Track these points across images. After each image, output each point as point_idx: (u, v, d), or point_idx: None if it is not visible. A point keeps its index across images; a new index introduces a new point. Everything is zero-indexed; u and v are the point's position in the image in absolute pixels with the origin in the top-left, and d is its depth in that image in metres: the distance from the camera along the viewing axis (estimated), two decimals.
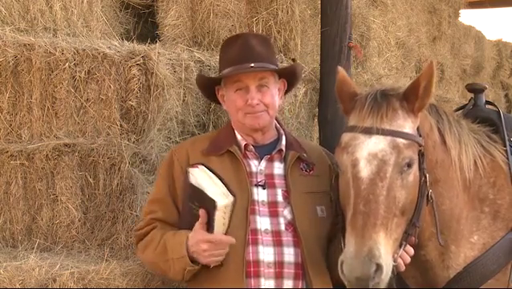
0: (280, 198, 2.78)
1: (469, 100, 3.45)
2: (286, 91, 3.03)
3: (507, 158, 3.05)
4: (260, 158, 2.83)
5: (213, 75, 4.05)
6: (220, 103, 3.02)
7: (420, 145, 2.59)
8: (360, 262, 2.38)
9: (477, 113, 3.28)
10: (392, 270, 2.50)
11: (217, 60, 4.19)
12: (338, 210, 2.67)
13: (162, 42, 4.45)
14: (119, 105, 3.58)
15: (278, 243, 2.72)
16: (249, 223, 2.69)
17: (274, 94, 2.87)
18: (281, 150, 2.87)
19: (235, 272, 2.64)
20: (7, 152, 3.57)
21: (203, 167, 2.67)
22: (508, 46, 8.91)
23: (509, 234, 2.94)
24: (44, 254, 3.35)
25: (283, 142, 2.89)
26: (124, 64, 3.55)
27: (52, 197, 3.54)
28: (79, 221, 3.50)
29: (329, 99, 4.06)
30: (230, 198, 2.56)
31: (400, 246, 2.55)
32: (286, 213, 2.76)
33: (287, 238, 2.73)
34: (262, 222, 2.72)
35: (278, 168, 2.84)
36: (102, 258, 3.29)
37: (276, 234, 2.73)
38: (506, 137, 3.13)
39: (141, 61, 3.53)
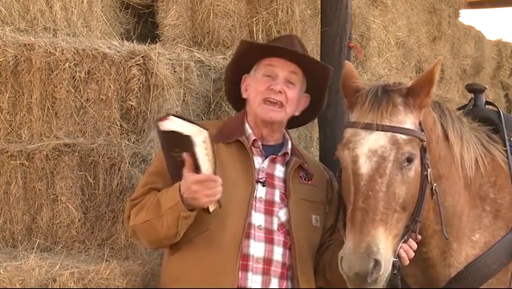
0: (277, 198, 2.79)
1: (469, 100, 3.45)
2: (302, 124, 3.15)
3: (507, 158, 3.05)
4: (264, 156, 2.83)
5: (213, 76, 4.05)
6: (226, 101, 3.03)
7: (421, 140, 2.60)
8: (359, 258, 2.40)
9: (477, 113, 3.29)
10: (397, 266, 2.52)
11: (217, 60, 4.24)
12: (341, 206, 2.68)
13: (162, 42, 4.45)
14: (119, 105, 3.58)
15: (269, 241, 2.73)
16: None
17: (298, 94, 2.86)
18: (286, 153, 2.87)
19: (230, 264, 2.64)
20: (7, 152, 3.56)
21: (173, 116, 2.55)
22: (508, 46, 8.90)
23: (510, 233, 2.95)
24: (44, 254, 3.34)
25: (289, 146, 2.90)
26: (124, 64, 3.55)
27: (52, 197, 3.53)
28: (79, 221, 3.49)
29: (329, 100, 4.05)
30: (204, 132, 2.50)
31: (401, 239, 2.55)
32: (281, 214, 2.77)
33: (278, 237, 2.74)
34: (257, 218, 2.72)
35: (280, 170, 2.85)
36: (102, 258, 3.28)
37: (268, 232, 2.73)
38: (506, 137, 3.14)
39: (141, 61, 3.53)
